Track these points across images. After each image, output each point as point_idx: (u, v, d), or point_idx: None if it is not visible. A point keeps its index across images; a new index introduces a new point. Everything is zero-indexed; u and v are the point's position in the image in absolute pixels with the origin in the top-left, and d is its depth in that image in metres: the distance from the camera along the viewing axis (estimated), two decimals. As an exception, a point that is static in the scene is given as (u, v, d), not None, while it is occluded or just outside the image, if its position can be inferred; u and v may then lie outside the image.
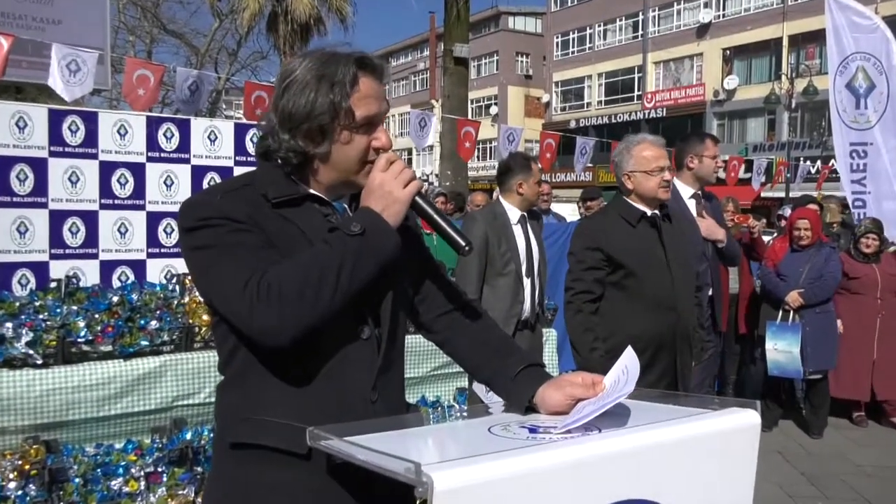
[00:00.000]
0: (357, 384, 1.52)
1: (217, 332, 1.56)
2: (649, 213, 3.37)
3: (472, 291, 4.04)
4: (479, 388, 4.23)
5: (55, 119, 4.07)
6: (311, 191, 1.56)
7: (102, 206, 4.22)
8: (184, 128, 4.46)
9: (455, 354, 1.75)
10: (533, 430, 1.38)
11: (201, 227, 1.46)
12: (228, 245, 1.44)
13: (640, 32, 37.85)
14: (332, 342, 1.49)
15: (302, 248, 1.47)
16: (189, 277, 4.12)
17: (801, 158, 21.92)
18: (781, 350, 5.81)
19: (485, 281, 4.19)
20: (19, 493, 3.05)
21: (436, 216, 1.55)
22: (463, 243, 1.54)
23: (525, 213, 4.34)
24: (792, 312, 5.88)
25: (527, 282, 4.25)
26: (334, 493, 1.47)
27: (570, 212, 9.49)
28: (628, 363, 1.48)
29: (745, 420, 1.45)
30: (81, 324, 3.48)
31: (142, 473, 3.31)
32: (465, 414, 1.70)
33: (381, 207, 1.48)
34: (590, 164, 10.42)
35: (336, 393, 1.50)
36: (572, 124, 39.56)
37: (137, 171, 4.31)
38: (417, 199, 1.52)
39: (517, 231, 4.28)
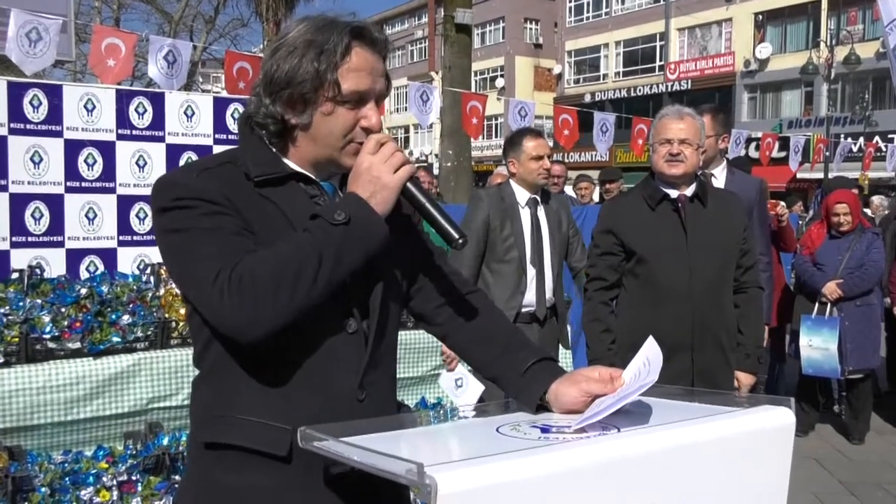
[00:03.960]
0: (343, 381, 1.54)
1: (191, 323, 1.59)
2: (674, 194, 3.38)
3: (468, 270, 4.09)
4: (447, 382, 4.28)
5: (15, 93, 4.08)
6: (297, 168, 1.58)
7: (68, 189, 4.24)
8: (157, 102, 4.47)
9: (458, 349, 1.77)
10: (545, 430, 1.39)
11: (174, 208, 1.47)
12: (201, 229, 1.45)
13: (663, -5, 37.74)
14: (315, 336, 1.51)
15: (283, 233, 1.49)
16: (163, 268, 4.16)
17: (842, 135, 21.89)
18: (817, 347, 5.82)
19: (487, 266, 4.24)
20: (-20, 503, 3.08)
21: (428, 205, 1.55)
22: (456, 235, 1.54)
23: (535, 196, 4.35)
24: (829, 305, 5.89)
25: (532, 272, 4.27)
26: (316, 500, 1.49)
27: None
28: (650, 355, 1.49)
29: (777, 419, 1.46)
30: (46, 318, 3.50)
31: (114, 482, 3.33)
32: (469, 415, 1.71)
33: (368, 193, 1.49)
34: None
35: (320, 390, 1.51)
36: (587, 98, 39.51)
37: (107, 150, 4.32)
38: (409, 185, 1.53)
39: (524, 215, 4.31)
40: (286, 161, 1.58)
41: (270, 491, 1.49)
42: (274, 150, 1.58)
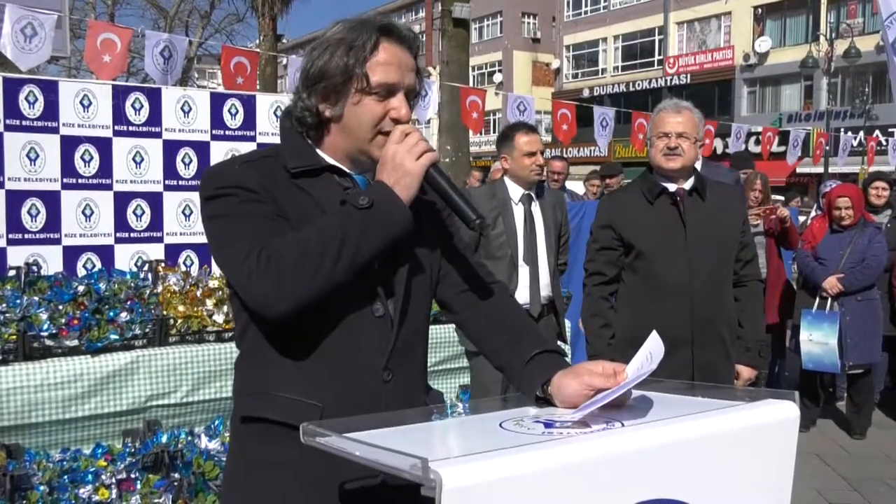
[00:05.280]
0: (369, 363, 1.64)
1: (232, 305, 1.73)
2: (672, 188, 3.38)
3: None
4: None
5: (10, 89, 4.07)
6: (332, 161, 1.70)
7: (65, 186, 4.22)
8: (154, 98, 4.46)
9: (474, 337, 1.84)
10: (548, 425, 1.40)
11: (217, 197, 1.61)
12: (238, 215, 1.59)
13: (662, -11, 37.69)
14: (343, 318, 1.61)
15: (315, 220, 1.58)
16: (161, 265, 4.17)
17: (842, 129, 21.90)
18: (817, 341, 5.83)
19: None
20: (-22, 502, 3.08)
21: (448, 189, 1.63)
22: (473, 216, 1.61)
23: (529, 192, 4.34)
24: (830, 300, 5.90)
25: (525, 269, 4.26)
26: (340, 474, 1.54)
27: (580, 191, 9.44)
28: (652, 349, 1.50)
29: (781, 413, 1.46)
30: (44, 316, 3.50)
31: (113, 480, 3.33)
32: (468, 412, 1.73)
33: (393, 180, 1.58)
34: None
35: (347, 371, 1.62)
36: (585, 93, 39.48)
37: (103, 146, 4.31)
38: (431, 171, 1.61)
39: (518, 212, 4.30)
40: (322, 154, 1.70)
41: (297, 465, 1.58)
42: (310, 143, 1.70)
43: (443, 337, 4.33)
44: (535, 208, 4.36)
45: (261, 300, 1.52)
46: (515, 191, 4.31)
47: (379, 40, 1.63)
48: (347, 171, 1.70)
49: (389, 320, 1.65)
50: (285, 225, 1.58)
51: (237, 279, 1.55)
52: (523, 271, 4.25)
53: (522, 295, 4.24)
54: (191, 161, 4.54)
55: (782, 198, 12.98)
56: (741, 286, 3.51)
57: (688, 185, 3.39)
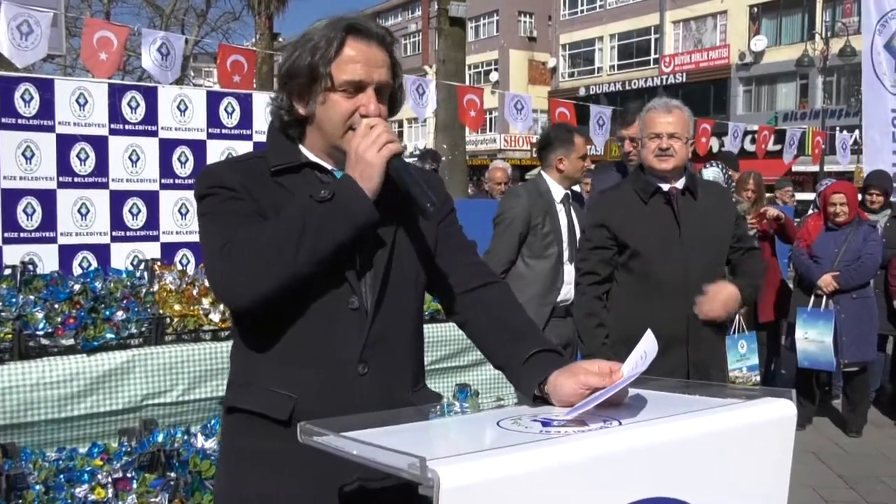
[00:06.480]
0: (343, 355, 1.66)
1: None
2: (665, 187, 3.38)
3: (499, 266, 4.13)
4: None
5: (6, 87, 4.06)
6: (313, 158, 1.74)
7: (60, 185, 4.22)
8: (150, 96, 4.45)
9: (474, 337, 1.84)
10: (546, 424, 1.40)
11: (204, 196, 1.68)
12: (219, 213, 1.65)
13: (658, -12, 37.71)
14: (320, 311, 1.65)
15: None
16: (157, 263, 4.17)
17: (838, 128, 21.93)
18: (813, 339, 5.84)
19: (523, 260, 4.28)
20: (-26, 501, 3.07)
21: (405, 177, 1.63)
22: (427, 204, 1.60)
23: (568, 192, 4.38)
24: (825, 298, 5.90)
25: (569, 268, 4.30)
26: (320, 464, 1.52)
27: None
28: (647, 348, 1.50)
29: (778, 411, 1.47)
30: (39, 315, 3.49)
31: (109, 479, 3.32)
32: (466, 411, 1.73)
33: (357, 173, 1.61)
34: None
35: (322, 363, 1.65)
36: (581, 92, 39.48)
37: (99, 144, 4.30)
38: (394, 161, 1.62)
39: (560, 211, 4.33)
40: (304, 151, 1.75)
41: (274, 453, 1.62)
42: (293, 141, 1.75)
43: (439, 336, 4.33)
44: (572, 209, 4.39)
45: (223, 292, 1.63)
46: (558, 191, 4.34)
47: (345, 39, 1.65)
48: (329, 167, 1.73)
49: (364, 312, 1.67)
50: (259, 221, 1.63)
51: (208, 274, 1.66)
52: (567, 269, 4.28)
53: (568, 292, 4.28)
54: (187, 160, 4.53)
55: (770, 208, 12.89)
56: (738, 253, 3.52)
57: (680, 184, 3.40)
